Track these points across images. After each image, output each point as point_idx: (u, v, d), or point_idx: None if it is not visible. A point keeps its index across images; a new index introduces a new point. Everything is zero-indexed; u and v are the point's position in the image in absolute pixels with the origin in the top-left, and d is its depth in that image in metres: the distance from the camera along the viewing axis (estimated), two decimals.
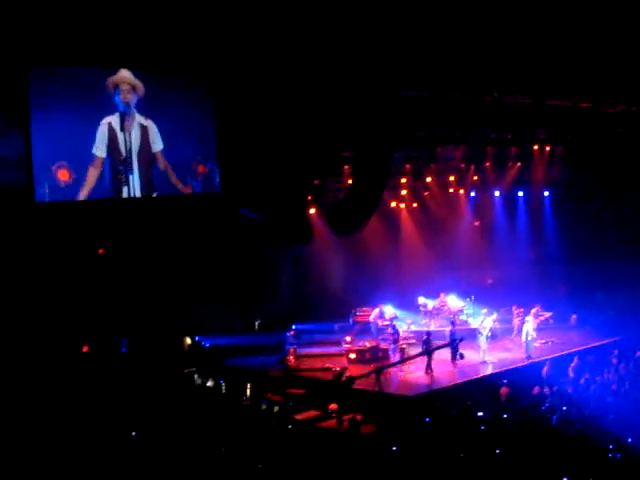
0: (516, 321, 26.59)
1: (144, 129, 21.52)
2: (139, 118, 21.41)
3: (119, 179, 20.97)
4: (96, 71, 20.55)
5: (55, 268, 22.75)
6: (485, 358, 24.40)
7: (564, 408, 18.64)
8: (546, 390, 20.40)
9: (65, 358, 22.22)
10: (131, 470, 14.15)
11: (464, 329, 26.36)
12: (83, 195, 20.74)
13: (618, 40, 23.81)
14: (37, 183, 19.73)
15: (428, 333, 24.55)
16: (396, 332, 25.39)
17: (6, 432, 15.92)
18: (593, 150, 31.01)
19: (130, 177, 21.07)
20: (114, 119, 20.90)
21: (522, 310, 26.97)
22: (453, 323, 26.09)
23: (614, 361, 22.57)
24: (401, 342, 25.31)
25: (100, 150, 20.82)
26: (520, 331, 25.43)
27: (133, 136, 21.28)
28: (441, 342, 24.95)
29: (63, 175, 20.08)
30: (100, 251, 24.51)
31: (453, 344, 24.12)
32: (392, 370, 23.31)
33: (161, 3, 19.47)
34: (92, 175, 20.80)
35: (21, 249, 21.71)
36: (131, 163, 21.17)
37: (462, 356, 23.78)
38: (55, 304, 22.66)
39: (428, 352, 23.52)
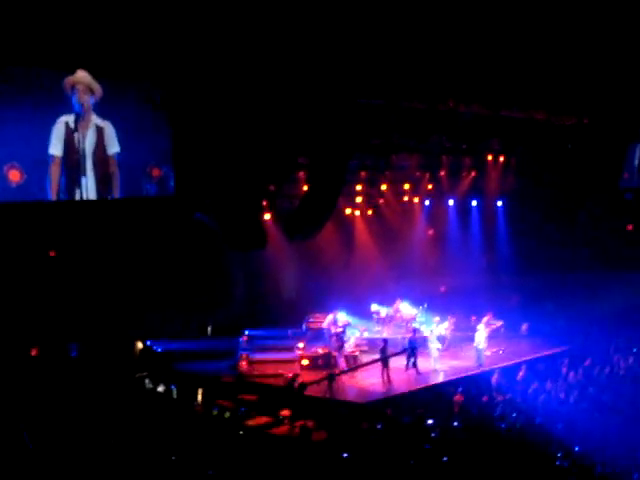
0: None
1: (100, 130, 21.27)
2: (96, 119, 21.16)
3: (72, 180, 20.74)
4: (53, 72, 20.29)
5: (5, 270, 22.44)
6: (436, 366, 24.54)
7: (514, 415, 18.80)
8: (498, 398, 20.57)
9: (13, 361, 21.92)
10: (79, 476, 13.99)
11: (417, 337, 26.40)
12: (54, 196, 20.50)
13: (572, 53, 24.17)
14: None
15: (385, 340, 24.52)
16: (341, 339, 25.42)
17: None
18: (546, 161, 31.34)
19: (83, 179, 20.85)
20: (70, 119, 20.66)
21: (474, 318, 27.21)
22: (414, 330, 26.04)
23: (564, 370, 22.83)
24: (353, 349, 25.39)
25: (57, 149, 20.54)
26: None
27: (88, 137, 21.04)
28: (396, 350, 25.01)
29: (14, 176, 19.78)
30: (51, 253, 24.23)
31: (410, 351, 24.20)
32: (344, 377, 23.32)
33: (117, 7, 19.30)
34: (55, 174, 20.54)
35: None
36: (84, 164, 20.94)
37: (414, 365, 23.94)
38: (4, 306, 22.33)
39: (384, 359, 23.56)
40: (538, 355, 25.89)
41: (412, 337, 25.31)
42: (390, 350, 24.17)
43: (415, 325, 27.35)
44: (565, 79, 25.44)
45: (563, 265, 32.38)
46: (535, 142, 30.71)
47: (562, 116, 29.54)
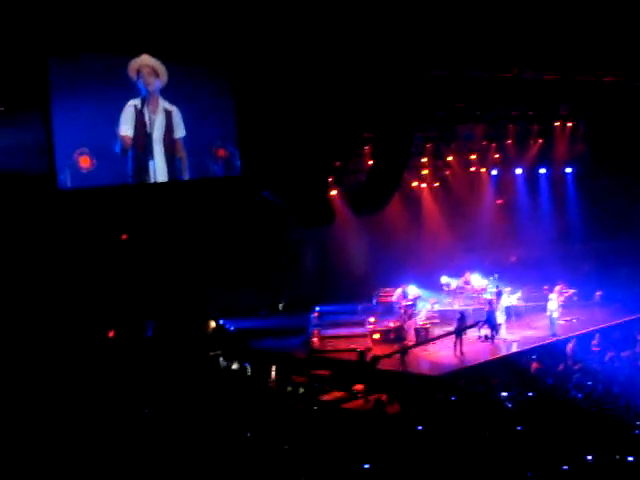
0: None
1: (168, 114, 21.47)
2: (163, 103, 21.37)
3: (142, 163, 21.01)
4: (117, 57, 20.51)
5: (79, 255, 22.87)
6: (507, 336, 24.36)
7: (590, 384, 18.59)
8: (574, 367, 20.36)
9: (92, 344, 22.41)
10: (157, 454, 14.25)
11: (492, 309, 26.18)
12: (124, 179, 20.82)
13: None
14: (59, 170, 19.76)
15: (461, 313, 24.40)
16: (412, 312, 25.39)
17: (31, 418, 16.09)
18: (616, 126, 30.70)
19: (151, 162, 21.11)
20: (138, 102, 20.89)
21: (546, 288, 26.92)
22: (490, 302, 25.88)
23: (639, 337, 22.47)
24: (424, 321, 25.36)
25: (127, 132, 20.77)
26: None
27: (158, 120, 21.26)
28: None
29: (84, 161, 20.09)
30: (123, 237, 24.63)
31: (489, 323, 24.05)
32: (416, 350, 23.31)
33: None
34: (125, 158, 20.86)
35: (44, 236, 21.83)
36: (154, 148, 21.19)
37: (487, 337, 23.79)
38: (80, 291, 22.80)
39: (458, 332, 23.46)
40: (613, 323, 25.51)
41: (490, 309, 25.04)
42: (466, 322, 24.04)
43: (487, 296, 27.08)
44: (634, 40, 24.81)
45: (635, 231, 31.76)
46: (603, 107, 30.10)
47: (632, 77, 28.84)
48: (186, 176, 22.00)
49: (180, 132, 21.69)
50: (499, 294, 26.01)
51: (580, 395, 17.80)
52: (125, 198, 21.50)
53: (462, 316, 24.05)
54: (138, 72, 20.75)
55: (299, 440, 15.13)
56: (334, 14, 20.94)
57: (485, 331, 24.08)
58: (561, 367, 20.38)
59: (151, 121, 21.05)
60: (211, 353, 24.03)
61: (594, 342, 22.28)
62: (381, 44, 22.39)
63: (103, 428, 15.56)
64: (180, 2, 19.45)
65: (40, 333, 21.27)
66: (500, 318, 24.60)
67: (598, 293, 28.69)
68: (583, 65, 26.77)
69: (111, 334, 23.78)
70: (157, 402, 17.91)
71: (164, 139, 21.39)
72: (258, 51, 21.71)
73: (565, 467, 12.88)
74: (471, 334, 24.20)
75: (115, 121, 20.60)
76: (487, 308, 25.16)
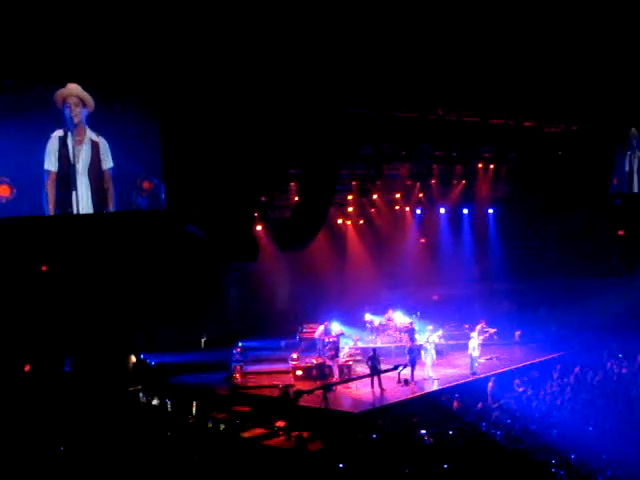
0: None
1: (95, 145, 21.19)
2: (90, 134, 21.10)
3: (66, 194, 20.67)
4: (43, 85, 20.22)
5: None
6: (430, 374, 24.54)
7: (508, 421, 18.83)
8: (493, 405, 20.61)
9: (6, 377, 21.86)
10: None
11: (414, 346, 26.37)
12: (51, 210, 20.38)
13: (560, 61, 24.29)
14: None
15: (374, 350, 24.53)
16: (336, 348, 25.47)
17: None
18: (536, 169, 31.46)
19: (75, 193, 20.79)
20: (62, 133, 20.59)
21: (467, 326, 27.29)
22: (412, 339, 26.04)
23: (556, 376, 22.87)
24: (347, 358, 25.42)
25: (51, 164, 20.43)
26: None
27: (84, 151, 20.97)
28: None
29: (4, 191, 19.66)
30: (43, 268, 24.17)
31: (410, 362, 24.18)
32: (338, 387, 23.30)
33: (108, 20, 19.31)
34: (51, 190, 20.43)
35: None
36: (78, 179, 20.88)
37: (406, 382, 23.89)
38: None
39: (377, 371, 23.53)
40: (532, 362, 25.94)
41: (411, 346, 25.27)
42: (380, 358, 24.14)
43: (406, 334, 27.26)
44: (553, 86, 25.57)
45: (555, 272, 32.49)
46: (525, 149, 30.84)
47: (551, 123, 29.69)
48: (112, 208, 21.71)
49: (108, 163, 21.41)
50: (412, 332, 26.40)
51: (499, 432, 18.01)
52: (46, 229, 21.11)
53: (374, 353, 24.12)
54: (64, 102, 20.49)
55: (220, 477, 14.99)
56: (260, 50, 21.08)
57: (405, 371, 24.07)
58: (480, 405, 20.61)
59: (75, 152, 20.75)
60: (131, 388, 23.64)
61: (516, 382, 22.58)
62: (308, 80, 22.59)
63: (19, 463, 15.19)
64: (109, 32, 19.31)
65: None
66: (426, 357, 24.74)
67: (518, 332, 29.14)
68: (504, 109, 27.47)
69: (27, 368, 23.21)
70: (74, 438, 17.52)
71: (89, 170, 21.08)
72: (186, 84, 21.66)
73: None
74: (392, 375, 24.19)
75: (39, 151, 20.24)
76: (408, 345, 25.39)
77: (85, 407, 20.36)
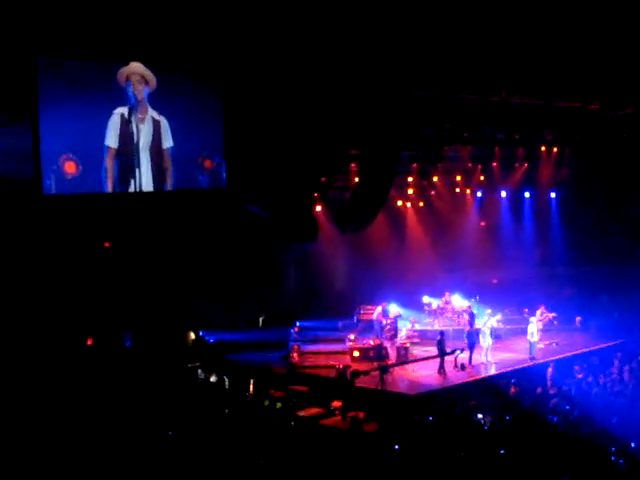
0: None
1: (156, 124, 21.41)
2: (152, 112, 21.32)
3: (127, 172, 20.94)
4: (107, 64, 20.49)
5: (61, 261, 22.79)
6: (489, 358, 24.38)
7: (567, 408, 18.64)
8: (550, 391, 20.41)
9: (69, 351, 22.29)
10: (133, 465, 14.17)
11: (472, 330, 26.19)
12: (109, 187, 20.70)
13: (627, 43, 23.76)
14: (44, 175, 19.67)
15: (441, 333, 24.24)
16: (394, 329, 25.42)
17: (9, 426, 15.97)
18: (600, 152, 30.94)
19: (137, 171, 21.04)
20: (126, 110, 20.82)
21: (526, 311, 27.05)
22: (471, 323, 25.92)
23: (617, 363, 22.55)
24: (404, 340, 25.38)
25: (112, 141, 20.70)
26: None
27: (145, 129, 21.20)
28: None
29: (70, 167, 20.01)
30: (106, 244, 24.55)
31: (458, 351, 23.97)
32: (396, 369, 23.28)
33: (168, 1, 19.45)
34: (110, 166, 20.72)
35: (27, 241, 21.76)
36: (140, 156, 21.13)
37: (462, 367, 23.73)
38: (60, 297, 22.70)
39: (442, 354, 23.41)
40: (592, 348, 25.61)
41: (470, 330, 25.14)
42: (446, 342, 24.00)
43: (466, 317, 27.11)
44: (620, 69, 25.04)
45: (617, 257, 31.96)
46: (589, 132, 30.33)
47: (617, 106, 29.11)
48: (171, 186, 21.93)
49: (167, 142, 21.64)
50: (472, 315, 26.23)
51: (555, 419, 17.83)
52: (110, 206, 21.43)
53: (442, 336, 23.98)
54: (127, 79, 20.72)
55: (275, 455, 15.09)
56: (324, 30, 21.00)
57: (463, 355, 23.91)
58: (539, 390, 20.41)
59: (138, 130, 20.99)
60: (189, 365, 23.92)
61: (577, 368, 22.32)
62: (373, 62, 22.48)
63: (82, 436, 15.48)
64: (173, 11, 19.43)
65: (20, 338, 21.15)
66: (484, 341, 24.55)
67: (578, 318, 28.79)
68: (569, 92, 27.00)
69: (89, 342, 23.64)
70: (135, 412, 17.80)
71: (151, 148, 21.34)
72: (248, 64, 21.73)
73: None
74: (449, 358, 24.04)
75: (102, 128, 20.54)
76: (467, 329, 25.26)
77: (145, 382, 20.64)
